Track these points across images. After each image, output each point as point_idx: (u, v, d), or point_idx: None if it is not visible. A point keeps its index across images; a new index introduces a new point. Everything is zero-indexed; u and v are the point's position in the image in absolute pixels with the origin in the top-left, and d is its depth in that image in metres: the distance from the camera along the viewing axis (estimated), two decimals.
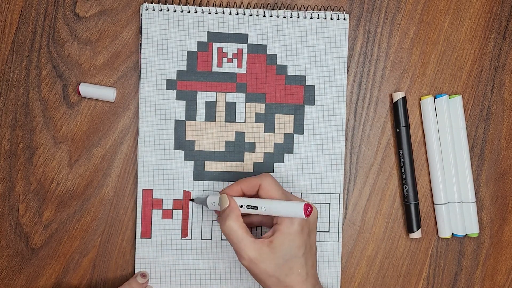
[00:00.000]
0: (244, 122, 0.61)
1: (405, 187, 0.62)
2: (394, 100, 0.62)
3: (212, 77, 0.60)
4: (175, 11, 0.60)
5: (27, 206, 0.59)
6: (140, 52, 0.60)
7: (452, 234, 0.62)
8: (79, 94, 0.59)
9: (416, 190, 0.62)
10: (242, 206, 0.53)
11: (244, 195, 0.55)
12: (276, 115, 0.61)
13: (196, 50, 0.60)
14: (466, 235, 0.63)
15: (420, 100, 0.63)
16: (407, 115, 0.62)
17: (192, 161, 0.60)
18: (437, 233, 0.63)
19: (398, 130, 0.62)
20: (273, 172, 0.61)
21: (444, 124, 0.62)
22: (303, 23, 0.61)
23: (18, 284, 0.60)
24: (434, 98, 0.62)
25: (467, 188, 0.62)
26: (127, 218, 0.60)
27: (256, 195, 0.55)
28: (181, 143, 0.60)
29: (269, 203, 0.52)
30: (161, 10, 0.60)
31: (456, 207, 0.62)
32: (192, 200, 0.60)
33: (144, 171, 0.59)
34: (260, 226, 0.60)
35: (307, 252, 0.52)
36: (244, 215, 0.56)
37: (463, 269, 0.63)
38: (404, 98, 0.61)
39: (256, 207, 0.52)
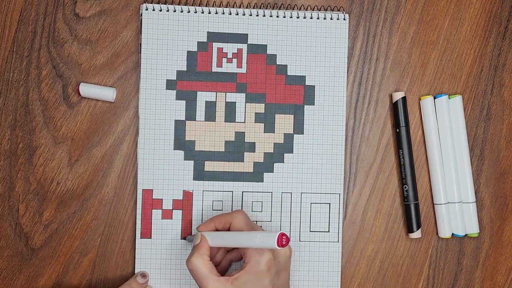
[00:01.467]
0: (244, 122, 0.61)
1: (405, 187, 0.62)
2: (394, 100, 0.62)
3: (212, 77, 0.60)
4: (175, 11, 0.60)
5: (27, 206, 0.59)
6: (140, 52, 0.60)
7: (452, 234, 0.62)
8: (79, 94, 0.59)
9: (416, 190, 0.62)
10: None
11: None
12: (276, 115, 0.61)
13: (196, 50, 0.60)
14: (466, 235, 0.63)
15: (420, 100, 0.62)
16: (407, 115, 0.62)
17: (192, 161, 0.60)
18: (437, 233, 0.63)
19: (398, 130, 0.62)
20: (273, 172, 0.61)
21: (444, 124, 0.62)
22: (303, 23, 0.61)
23: (18, 284, 0.60)
24: (434, 98, 0.62)
25: (467, 188, 0.62)
26: (127, 218, 0.60)
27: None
28: (181, 143, 0.60)
29: (242, 234, 0.52)
30: (161, 10, 0.60)
31: (456, 207, 0.62)
32: (184, 238, 0.60)
33: (144, 171, 0.59)
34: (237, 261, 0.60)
35: None
36: (224, 251, 0.58)
37: (463, 269, 0.63)
38: (404, 98, 0.61)
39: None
